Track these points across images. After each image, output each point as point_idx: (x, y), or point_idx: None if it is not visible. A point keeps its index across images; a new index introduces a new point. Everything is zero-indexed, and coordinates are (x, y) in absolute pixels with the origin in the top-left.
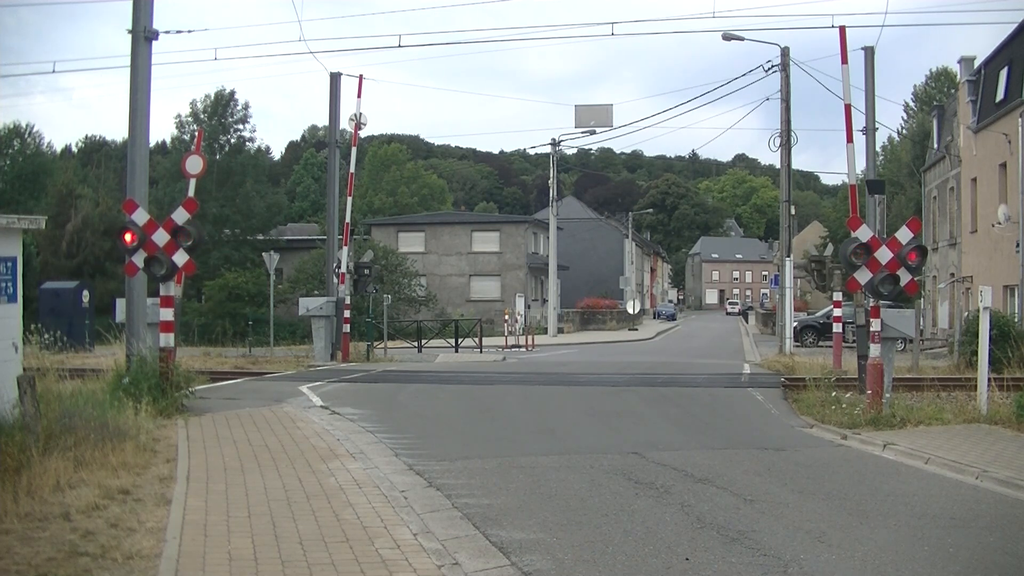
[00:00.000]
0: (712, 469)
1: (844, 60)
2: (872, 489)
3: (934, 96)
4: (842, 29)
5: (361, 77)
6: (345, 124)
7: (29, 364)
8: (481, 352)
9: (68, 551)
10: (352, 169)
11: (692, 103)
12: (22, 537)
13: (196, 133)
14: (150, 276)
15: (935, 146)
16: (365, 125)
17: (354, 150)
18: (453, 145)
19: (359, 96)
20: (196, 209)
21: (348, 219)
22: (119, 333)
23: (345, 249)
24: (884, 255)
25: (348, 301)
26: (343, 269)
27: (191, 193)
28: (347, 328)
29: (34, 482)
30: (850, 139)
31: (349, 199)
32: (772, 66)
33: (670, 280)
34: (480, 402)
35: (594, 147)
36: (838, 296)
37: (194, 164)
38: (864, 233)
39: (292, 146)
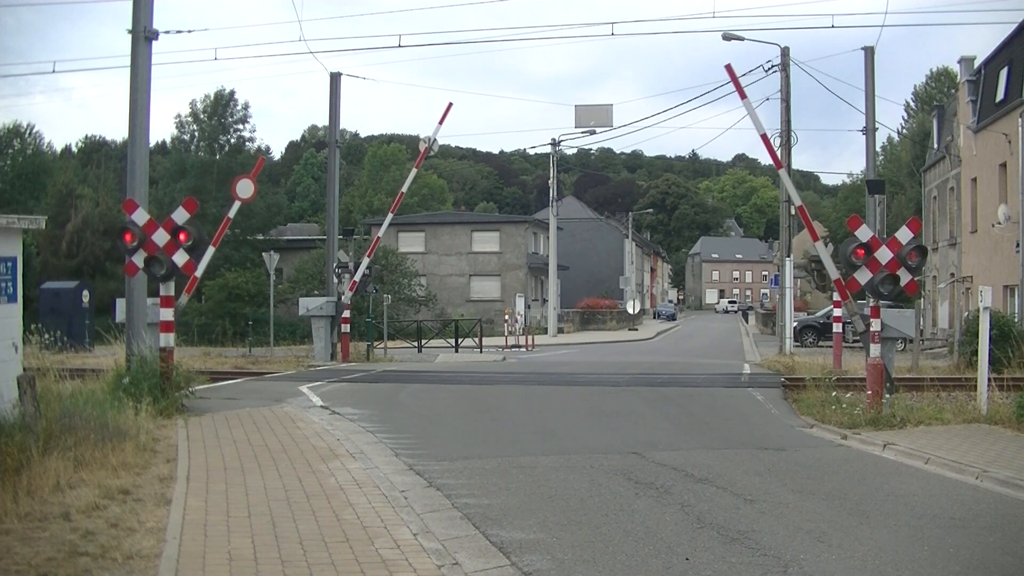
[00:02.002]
0: (712, 469)
1: (742, 96)
2: (872, 489)
3: (934, 96)
4: (729, 67)
5: (450, 105)
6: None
7: (29, 364)
8: (481, 352)
9: (68, 551)
10: (405, 188)
11: (692, 103)
12: (22, 537)
13: (258, 159)
14: (150, 276)
15: (935, 146)
16: (435, 153)
17: (415, 171)
18: (453, 145)
19: (441, 122)
20: (196, 209)
21: (381, 233)
22: (119, 333)
23: (366, 260)
24: (884, 255)
25: (348, 301)
26: (356, 278)
27: (231, 215)
28: (347, 328)
29: (34, 482)
30: (779, 164)
31: (390, 215)
32: (772, 66)
33: (670, 280)
34: (480, 402)
35: (594, 147)
36: (838, 296)
37: (244, 188)
38: (864, 233)
39: (292, 146)
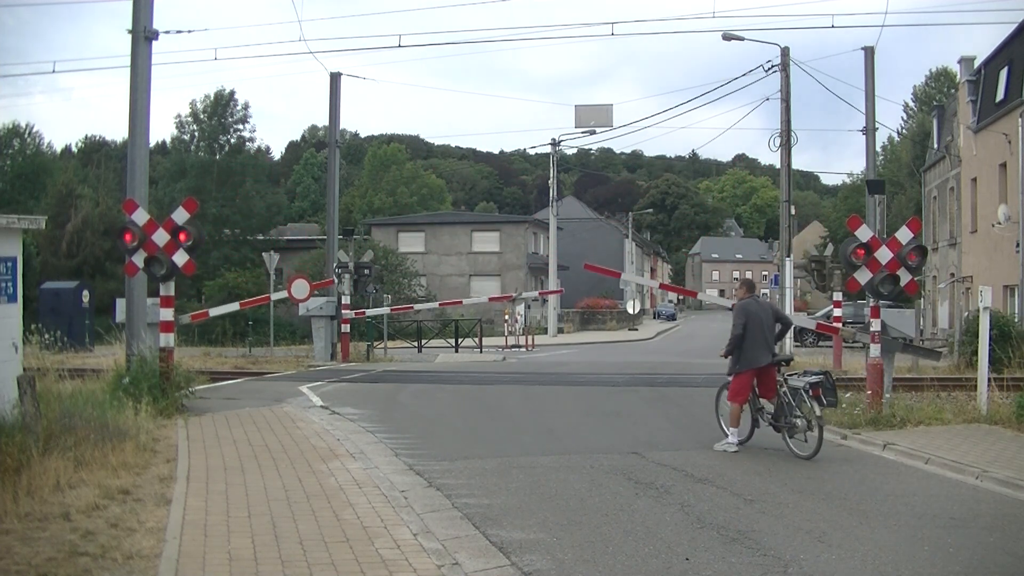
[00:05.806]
0: (712, 469)
1: (616, 275)
2: (872, 489)
3: (934, 96)
4: (587, 265)
5: (560, 291)
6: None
7: (29, 364)
8: (481, 352)
9: (68, 551)
10: (465, 302)
11: (692, 103)
12: (22, 537)
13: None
14: (150, 276)
15: (935, 146)
16: (512, 300)
17: (490, 301)
18: (453, 145)
19: (542, 295)
20: (196, 209)
21: (414, 304)
22: (119, 333)
23: (388, 309)
24: (884, 255)
25: (348, 301)
26: (370, 314)
27: (274, 297)
28: (347, 328)
29: (34, 482)
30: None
31: (436, 303)
32: (772, 66)
33: (670, 280)
34: (480, 402)
35: (594, 147)
36: (838, 296)
37: (300, 289)
38: (864, 233)
39: (292, 146)
